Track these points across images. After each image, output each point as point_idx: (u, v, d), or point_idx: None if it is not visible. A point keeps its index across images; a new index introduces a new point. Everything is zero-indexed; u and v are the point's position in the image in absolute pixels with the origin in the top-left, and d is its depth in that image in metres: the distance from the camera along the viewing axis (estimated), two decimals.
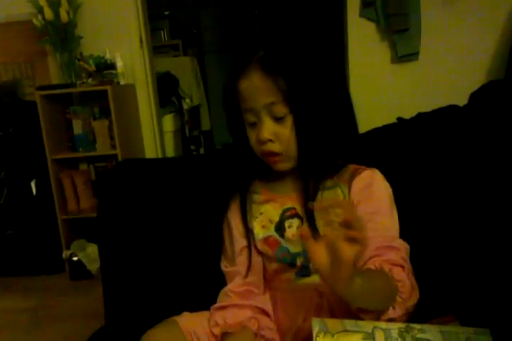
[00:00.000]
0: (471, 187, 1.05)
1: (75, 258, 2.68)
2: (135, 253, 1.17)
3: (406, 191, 1.07)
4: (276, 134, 0.84)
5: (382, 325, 0.65)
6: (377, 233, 0.82)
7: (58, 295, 2.53)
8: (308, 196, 0.88)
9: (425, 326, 0.64)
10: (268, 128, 0.84)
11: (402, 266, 0.77)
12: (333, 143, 0.88)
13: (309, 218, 0.87)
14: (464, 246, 1.02)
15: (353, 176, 0.90)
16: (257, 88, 0.83)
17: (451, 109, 1.18)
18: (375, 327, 0.65)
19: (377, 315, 0.73)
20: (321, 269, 0.61)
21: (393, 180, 1.08)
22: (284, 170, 0.90)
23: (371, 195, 0.88)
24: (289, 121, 0.84)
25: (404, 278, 0.75)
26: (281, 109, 0.83)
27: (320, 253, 0.61)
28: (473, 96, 1.20)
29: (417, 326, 0.64)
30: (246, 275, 0.93)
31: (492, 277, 0.99)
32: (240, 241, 0.95)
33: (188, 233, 1.14)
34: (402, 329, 0.64)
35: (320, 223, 0.86)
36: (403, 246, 0.83)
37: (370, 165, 1.10)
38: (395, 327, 0.64)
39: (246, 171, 0.97)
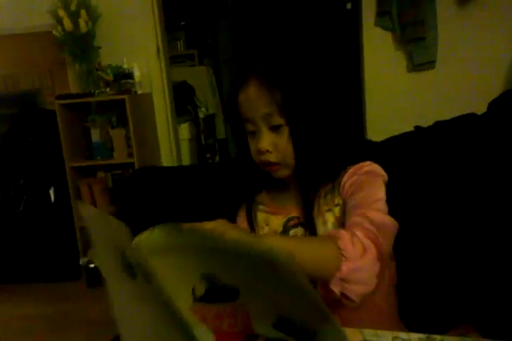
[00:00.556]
0: (491, 195, 1.04)
1: (91, 266, 2.70)
2: None
3: (424, 199, 1.07)
4: (274, 145, 0.87)
5: (402, 335, 0.65)
6: (354, 210, 0.81)
7: (75, 302, 2.55)
8: (308, 205, 0.89)
9: (446, 337, 0.63)
10: (266, 139, 0.86)
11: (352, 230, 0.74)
12: (330, 152, 0.90)
13: (310, 227, 0.88)
14: (482, 257, 1.01)
15: (343, 174, 0.90)
16: (254, 100, 0.86)
17: (469, 118, 1.17)
18: (394, 337, 0.64)
19: (326, 280, 0.70)
20: None
21: (410, 187, 1.07)
22: (284, 177, 0.91)
23: (354, 180, 0.88)
24: (285, 131, 0.86)
25: (342, 236, 0.72)
26: (277, 120, 0.85)
27: None
28: (492, 105, 1.19)
29: (438, 337, 0.63)
30: None
31: (509, 287, 0.97)
32: None
33: None
34: (423, 340, 0.63)
35: (321, 231, 0.86)
36: (373, 219, 0.78)
37: (387, 172, 1.10)
38: (415, 337, 0.64)
39: (252, 182, 0.98)
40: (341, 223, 0.86)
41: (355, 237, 0.72)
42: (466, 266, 1.02)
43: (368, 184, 0.86)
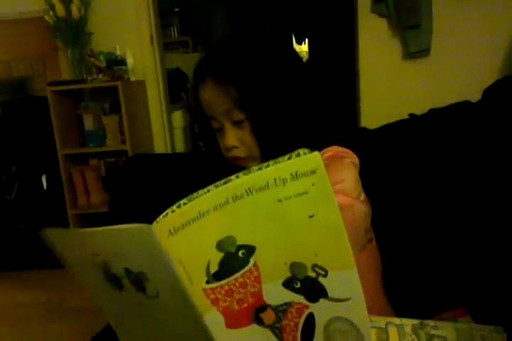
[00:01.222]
0: (483, 182, 1.04)
1: None
2: None
3: (417, 186, 1.07)
4: (239, 139, 0.86)
5: (396, 320, 0.65)
6: None
7: (69, 289, 2.54)
8: None
9: (439, 323, 0.63)
10: (231, 135, 0.86)
11: None
12: (296, 142, 0.88)
13: None
14: (472, 241, 1.02)
15: None
16: (212, 97, 0.85)
17: (464, 105, 1.17)
18: (388, 322, 0.64)
19: None
20: None
21: (404, 174, 1.08)
22: None
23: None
24: (247, 125, 0.85)
25: None
26: (238, 115, 0.84)
27: None
28: (487, 92, 1.19)
29: (431, 322, 0.63)
30: None
31: (502, 272, 0.98)
32: None
33: None
34: (416, 326, 0.64)
35: None
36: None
37: (381, 161, 1.10)
38: (408, 323, 0.64)
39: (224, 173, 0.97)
40: None
41: None
42: (456, 249, 1.02)
43: (329, 168, 0.85)
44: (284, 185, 0.44)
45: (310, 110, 0.90)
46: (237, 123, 0.86)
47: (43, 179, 2.87)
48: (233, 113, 0.84)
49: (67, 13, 2.71)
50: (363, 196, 0.85)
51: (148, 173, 1.25)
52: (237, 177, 0.44)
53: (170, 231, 0.44)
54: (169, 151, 3.10)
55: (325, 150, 0.88)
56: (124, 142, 2.74)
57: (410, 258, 1.05)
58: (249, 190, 0.44)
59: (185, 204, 0.43)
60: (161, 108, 3.05)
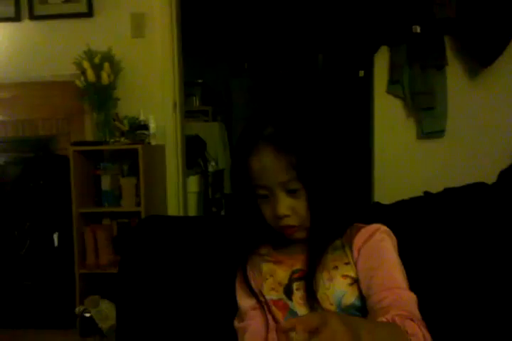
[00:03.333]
0: (499, 265, 1.03)
1: (87, 315, 2.63)
2: (153, 312, 1.16)
3: (431, 265, 1.06)
4: (292, 208, 0.86)
5: None
6: (382, 288, 0.81)
7: None
8: (313, 262, 0.88)
9: None
10: (284, 204, 0.85)
11: (412, 319, 0.73)
12: (343, 212, 0.90)
13: (310, 282, 0.86)
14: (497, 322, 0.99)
15: (355, 233, 0.90)
16: (270, 167, 0.84)
17: (479, 186, 1.18)
18: None
19: None
20: None
21: (418, 252, 1.07)
22: (299, 239, 0.91)
23: (372, 248, 0.87)
24: (302, 194, 0.85)
25: (417, 331, 0.71)
26: (295, 185, 0.84)
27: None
28: (502, 174, 1.21)
29: None
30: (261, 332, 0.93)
31: None
32: (249, 299, 0.96)
33: (209, 293, 1.13)
34: None
35: (325, 287, 0.86)
36: (411, 299, 0.81)
37: (396, 236, 1.10)
38: None
39: (255, 237, 0.97)
40: (352, 283, 0.86)
41: (420, 330, 0.72)
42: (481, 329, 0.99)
43: (387, 253, 0.87)
44: None
45: (352, 180, 0.93)
46: (290, 192, 0.85)
47: (55, 236, 2.88)
48: (291, 183, 0.84)
49: (96, 79, 2.84)
50: None
51: (160, 236, 1.25)
52: None
53: None
54: (182, 214, 3.12)
55: (376, 226, 0.91)
56: (138, 204, 2.77)
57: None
58: None
59: None
60: (178, 172, 3.11)
